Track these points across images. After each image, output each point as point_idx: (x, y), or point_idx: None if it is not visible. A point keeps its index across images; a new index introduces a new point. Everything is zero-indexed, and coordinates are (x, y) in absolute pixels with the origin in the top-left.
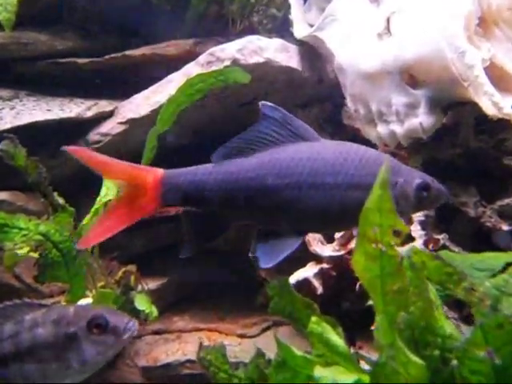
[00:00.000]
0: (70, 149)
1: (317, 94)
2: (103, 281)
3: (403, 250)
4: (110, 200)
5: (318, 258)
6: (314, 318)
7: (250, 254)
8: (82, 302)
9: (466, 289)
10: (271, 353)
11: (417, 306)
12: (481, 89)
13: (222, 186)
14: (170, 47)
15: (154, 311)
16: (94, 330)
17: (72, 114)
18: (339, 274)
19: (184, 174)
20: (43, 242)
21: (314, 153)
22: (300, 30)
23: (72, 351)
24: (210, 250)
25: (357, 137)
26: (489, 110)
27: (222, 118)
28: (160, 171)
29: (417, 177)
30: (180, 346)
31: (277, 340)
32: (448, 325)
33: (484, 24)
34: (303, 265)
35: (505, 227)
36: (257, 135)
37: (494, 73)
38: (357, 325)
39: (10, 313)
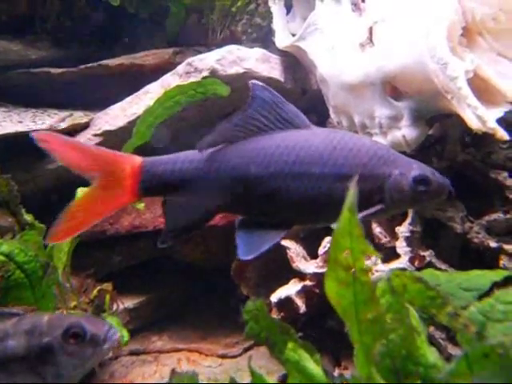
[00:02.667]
0: (35, 134)
1: (300, 105)
2: (75, 300)
3: (388, 268)
4: None
5: (301, 275)
6: (290, 345)
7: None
8: None
9: (450, 314)
10: None
11: (397, 333)
12: (464, 101)
13: (203, 174)
14: (148, 57)
15: (126, 335)
16: (71, 341)
17: (45, 126)
18: (323, 291)
19: (164, 162)
20: (6, 263)
21: (301, 141)
22: (282, 40)
23: (47, 364)
24: (191, 266)
25: None
26: (473, 123)
27: (201, 129)
28: (138, 159)
29: (414, 168)
30: (157, 368)
31: (250, 368)
32: (431, 353)
33: (468, 34)
34: (286, 281)
35: (492, 243)
36: (244, 120)
37: (479, 84)
38: (342, 344)
39: None
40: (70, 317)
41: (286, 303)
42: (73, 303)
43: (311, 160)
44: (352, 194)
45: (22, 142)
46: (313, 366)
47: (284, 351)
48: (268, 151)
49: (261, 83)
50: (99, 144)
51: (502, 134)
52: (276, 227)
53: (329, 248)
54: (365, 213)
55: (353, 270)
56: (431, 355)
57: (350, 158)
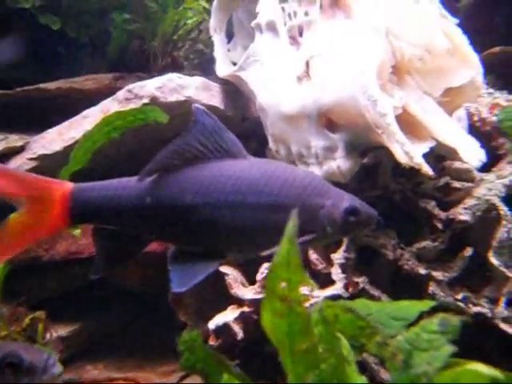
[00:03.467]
0: None
1: (241, 132)
2: (5, 330)
3: (324, 293)
4: None
5: (239, 301)
6: (225, 376)
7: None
8: None
9: (379, 343)
10: None
11: (328, 362)
12: (393, 137)
13: (137, 202)
14: (88, 81)
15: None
16: (6, 370)
17: None
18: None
19: (97, 188)
20: None
21: (237, 170)
22: (222, 69)
23: None
24: (126, 291)
25: None
26: (401, 158)
27: (140, 154)
28: (68, 184)
29: (345, 200)
30: None
31: None
32: (361, 381)
33: (398, 73)
34: (226, 307)
35: (422, 270)
36: (182, 148)
37: (407, 120)
38: (279, 370)
39: None
40: (7, 345)
41: (224, 330)
42: (3, 332)
43: (247, 190)
44: (292, 224)
45: None
46: None
47: (219, 382)
48: (204, 180)
49: (203, 108)
50: (34, 168)
51: (426, 169)
52: (209, 257)
53: (266, 274)
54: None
55: (288, 300)
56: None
57: (284, 188)
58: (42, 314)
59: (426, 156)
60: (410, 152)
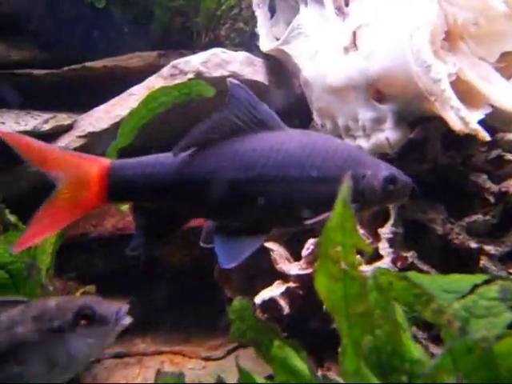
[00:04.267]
0: (1, 134)
1: (284, 108)
2: None
3: (371, 268)
4: None
5: (284, 277)
6: (276, 343)
7: (201, 243)
8: None
9: (435, 311)
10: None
11: (383, 329)
12: (447, 103)
13: (176, 179)
14: (132, 59)
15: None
16: (82, 322)
17: (28, 128)
18: (307, 292)
19: (134, 165)
20: None
21: (277, 143)
22: (266, 44)
23: (58, 348)
24: (175, 268)
25: None
26: (456, 125)
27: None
28: (106, 161)
29: (383, 169)
30: (141, 371)
31: (238, 366)
32: (416, 349)
33: (450, 38)
34: (270, 283)
35: (473, 244)
36: (219, 122)
37: (461, 87)
38: (325, 345)
39: None
40: (79, 299)
41: (270, 305)
42: None
43: (289, 163)
44: (345, 189)
45: (4, 144)
46: (299, 363)
47: (270, 350)
48: (245, 155)
49: (237, 82)
50: (83, 146)
51: (483, 134)
52: (254, 232)
53: (312, 250)
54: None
55: (343, 264)
56: (416, 351)
57: (327, 160)
58: (92, 288)
59: (480, 123)
60: (465, 118)
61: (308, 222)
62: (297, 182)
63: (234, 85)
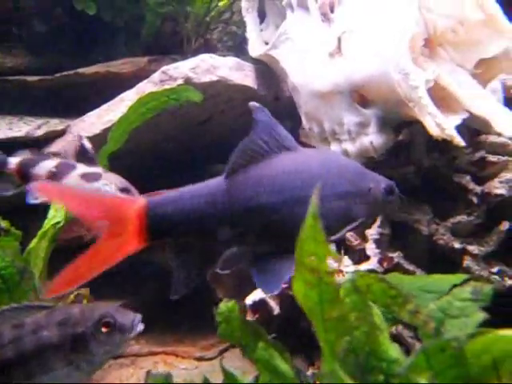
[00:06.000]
0: (32, 187)
1: (274, 112)
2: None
3: (359, 268)
4: (58, 222)
5: None
6: (261, 344)
7: (218, 270)
8: None
9: (411, 311)
10: None
11: (361, 330)
12: (425, 109)
13: (216, 208)
14: (124, 65)
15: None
16: (103, 330)
17: (21, 133)
18: None
19: (171, 200)
20: None
21: (299, 164)
22: (255, 49)
23: (80, 352)
24: (166, 269)
25: None
26: (433, 130)
27: (176, 137)
28: (142, 200)
29: (382, 181)
30: (135, 372)
31: (222, 367)
32: (393, 349)
33: (430, 45)
34: None
35: (457, 245)
36: (250, 147)
37: (439, 93)
38: (315, 345)
39: (9, 317)
40: (100, 307)
41: (261, 305)
42: None
43: (313, 183)
44: (314, 202)
45: None
46: (283, 364)
47: (255, 351)
48: (275, 178)
49: (259, 105)
50: None
51: (458, 140)
52: (287, 254)
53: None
54: (353, 225)
55: (317, 271)
56: (393, 351)
57: (341, 176)
58: (86, 291)
59: (458, 128)
60: (442, 124)
61: (333, 237)
62: (321, 200)
63: (256, 108)
